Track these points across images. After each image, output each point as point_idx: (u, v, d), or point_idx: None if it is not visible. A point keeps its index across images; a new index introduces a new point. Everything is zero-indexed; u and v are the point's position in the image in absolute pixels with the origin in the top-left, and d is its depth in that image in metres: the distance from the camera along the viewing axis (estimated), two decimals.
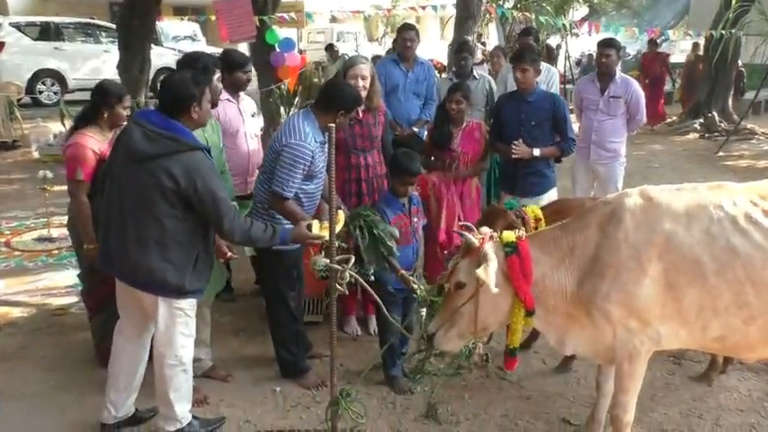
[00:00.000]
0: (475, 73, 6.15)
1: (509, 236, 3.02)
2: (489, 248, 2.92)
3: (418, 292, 3.54)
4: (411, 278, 3.70)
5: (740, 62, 15.06)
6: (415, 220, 4.01)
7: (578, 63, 19.20)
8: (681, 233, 2.85)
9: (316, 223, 3.31)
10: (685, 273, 2.83)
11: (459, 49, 6.38)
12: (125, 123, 3.75)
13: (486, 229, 3.11)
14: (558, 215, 3.48)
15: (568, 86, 12.63)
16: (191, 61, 3.74)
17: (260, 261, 3.91)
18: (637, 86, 5.71)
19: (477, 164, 4.79)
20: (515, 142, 4.57)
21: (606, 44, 5.73)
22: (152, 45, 10.67)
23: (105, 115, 3.84)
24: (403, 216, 3.92)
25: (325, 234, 3.23)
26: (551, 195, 4.76)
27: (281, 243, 3.29)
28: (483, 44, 15.41)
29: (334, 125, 2.96)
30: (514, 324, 3.05)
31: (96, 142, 3.79)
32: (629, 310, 2.86)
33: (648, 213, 2.90)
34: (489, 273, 2.81)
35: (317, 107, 3.70)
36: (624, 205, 2.94)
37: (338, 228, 3.26)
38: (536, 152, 4.59)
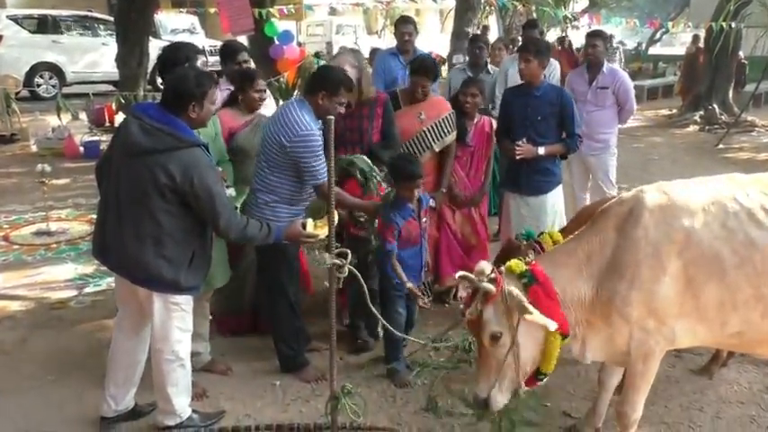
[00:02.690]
0: (489, 67, 6.11)
1: (519, 266, 2.87)
2: (512, 287, 2.76)
3: (421, 303, 3.62)
4: (417, 290, 3.77)
5: (742, 54, 15.02)
6: (424, 220, 3.97)
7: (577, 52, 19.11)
8: (700, 229, 2.83)
9: (310, 221, 3.30)
10: (705, 268, 2.80)
11: (475, 40, 6.34)
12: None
13: (484, 266, 2.93)
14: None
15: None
16: (173, 52, 3.75)
17: (259, 255, 3.88)
18: (624, 76, 5.75)
19: (483, 185, 4.82)
20: (519, 142, 4.46)
21: (593, 35, 5.83)
22: (150, 38, 10.64)
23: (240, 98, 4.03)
24: (413, 220, 3.87)
25: (319, 232, 3.22)
26: (557, 192, 4.72)
27: (276, 241, 3.27)
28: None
29: (332, 118, 2.92)
30: (551, 350, 2.88)
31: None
32: (648, 309, 2.82)
33: (666, 210, 2.87)
34: (535, 313, 2.70)
35: (306, 92, 3.70)
36: (642, 203, 2.90)
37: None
38: (541, 151, 4.48)
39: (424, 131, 4.46)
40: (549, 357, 2.90)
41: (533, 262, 2.92)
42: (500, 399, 2.87)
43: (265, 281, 3.91)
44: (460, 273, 2.94)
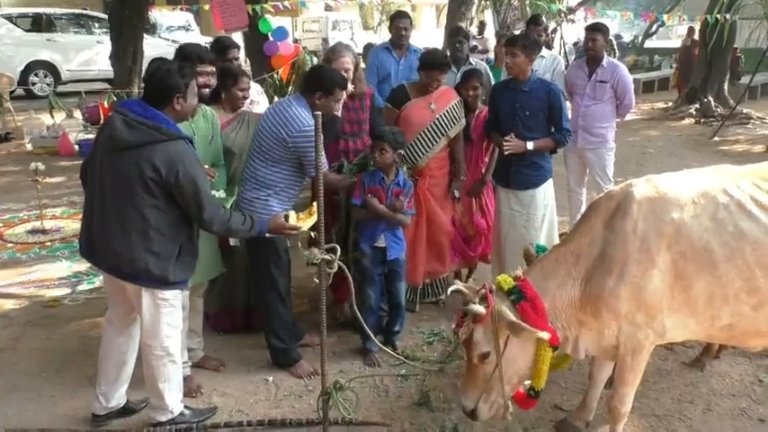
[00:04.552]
0: (471, 60, 6.09)
1: (507, 282, 2.93)
2: (502, 307, 2.81)
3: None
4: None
5: (738, 47, 15.01)
6: (401, 198, 4.02)
7: (575, 45, 19.10)
8: (689, 221, 2.82)
9: (292, 214, 3.32)
10: (695, 261, 2.80)
11: (454, 34, 6.31)
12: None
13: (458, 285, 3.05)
14: None
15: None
16: (183, 51, 3.77)
17: (249, 248, 3.88)
18: (623, 71, 5.72)
19: (484, 176, 4.86)
20: (507, 138, 4.43)
21: (593, 28, 5.79)
22: (145, 36, 10.62)
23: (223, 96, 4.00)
24: (379, 189, 4.00)
25: (301, 225, 3.24)
26: (548, 186, 4.71)
27: (259, 233, 3.28)
28: (480, 32, 15.30)
29: (320, 114, 2.94)
30: (541, 364, 2.93)
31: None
32: (638, 304, 2.83)
33: (655, 203, 2.87)
34: (518, 324, 2.73)
35: (303, 92, 3.75)
36: (630, 196, 2.90)
37: (312, 220, 3.26)
38: (529, 145, 4.43)
39: (438, 119, 4.53)
40: (540, 373, 2.95)
41: (523, 277, 2.94)
42: (486, 410, 2.96)
43: (256, 273, 3.92)
44: (453, 287, 3.04)
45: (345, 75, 4.05)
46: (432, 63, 4.48)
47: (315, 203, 3.25)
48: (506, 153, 4.44)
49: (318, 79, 3.73)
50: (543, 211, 4.62)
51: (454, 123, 4.57)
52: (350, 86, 4.08)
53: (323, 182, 3.56)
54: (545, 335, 2.76)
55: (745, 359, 4.03)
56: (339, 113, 4.01)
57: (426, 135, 4.51)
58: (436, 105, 4.53)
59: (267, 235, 3.37)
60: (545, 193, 4.62)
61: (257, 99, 4.75)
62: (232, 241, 3.92)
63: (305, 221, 3.24)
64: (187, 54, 3.65)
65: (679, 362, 4.02)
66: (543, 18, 7.68)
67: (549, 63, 5.98)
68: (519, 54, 4.38)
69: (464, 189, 4.83)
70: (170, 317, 3.16)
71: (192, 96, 3.11)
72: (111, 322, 3.33)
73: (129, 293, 3.12)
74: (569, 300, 2.93)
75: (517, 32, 9.13)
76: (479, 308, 2.82)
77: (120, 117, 2.98)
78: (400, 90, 4.64)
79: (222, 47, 4.48)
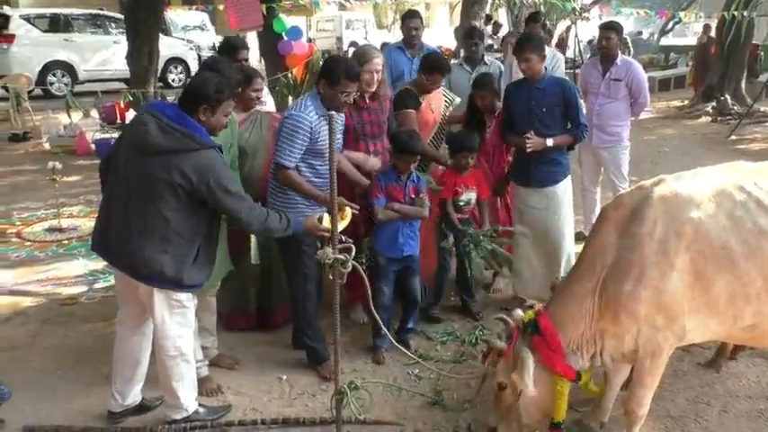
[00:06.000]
0: (486, 59, 6.07)
1: (528, 316, 2.98)
2: (523, 348, 2.85)
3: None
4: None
5: (759, 43, 14.81)
6: (412, 197, 4.05)
7: (590, 44, 18.96)
8: (707, 220, 2.79)
9: (326, 216, 3.29)
10: (714, 260, 2.78)
11: (469, 35, 6.29)
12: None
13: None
14: None
15: (577, 71, 12.50)
16: (213, 64, 3.66)
17: (282, 246, 3.86)
18: (638, 69, 5.69)
19: (507, 174, 4.83)
20: (527, 135, 4.38)
21: (607, 27, 5.78)
22: (161, 35, 10.70)
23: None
24: (397, 187, 4.01)
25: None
26: (567, 184, 4.66)
27: (294, 232, 3.31)
28: (495, 32, 15.25)
29: (333, 112, 2.93)
30: (559, 399, 2.96)
31: None
32: (657, 306, 2.80)
33: (670, 203, 2.84)
34: (524, 377, 2.78)
35: (316, 84, 3.78)
36: (644, 200, 2.88)
37: (345, 223, 3.26)
38: (549, 142, 4.38)
39: (441, 120, 4.79)
40: (558, 407, 2.98)
41: (542, 311, 2.98)
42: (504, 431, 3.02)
43: (289, 269, 3.91)
44: (498, 315, 3.19)
45: (376, 76, 4.08)
46: (434, 67, 4.59)
47: (348, 208, 3.27)
48: (528, 150, 4.39)
49: (325, 68, 3.75)
50: (562, 209, 4.59)
51: (446, 117, 4.88)
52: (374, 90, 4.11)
53: (342, 165, 3.68)
54: (531, 391, 2.81)
55: (762, 360, 3.99)
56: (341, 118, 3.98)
57: (436, 136, 4.71)
58: (434, 105, 4.71)
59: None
60: (564, 190, 4.58)
61: (263, 99, 4.77)
62: (254, 259, 3.93)
63: (339, 223, 3.24)
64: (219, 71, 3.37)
65: (695, 363, 3.98)
66: (542, 15, 7.64)
67: (548, 61, 5.91)
68: (531, 57, 4.34)
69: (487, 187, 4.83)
70: (182, 317, 3.18)
71: (222, 116, 3.11)
72: (123, 324, 3.35)
73: (141, 294, 3.14)
74: (590, 315, 2.91)
75: None
76: (501, 343, 2.89)
77: (154, 120, 2.99)
78: (408, 93, 4.64)
79: (232, 47, 4.48)
